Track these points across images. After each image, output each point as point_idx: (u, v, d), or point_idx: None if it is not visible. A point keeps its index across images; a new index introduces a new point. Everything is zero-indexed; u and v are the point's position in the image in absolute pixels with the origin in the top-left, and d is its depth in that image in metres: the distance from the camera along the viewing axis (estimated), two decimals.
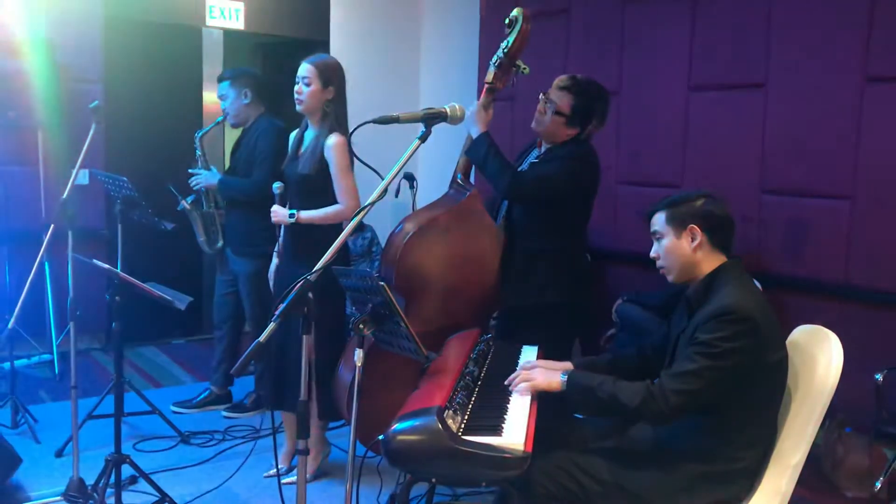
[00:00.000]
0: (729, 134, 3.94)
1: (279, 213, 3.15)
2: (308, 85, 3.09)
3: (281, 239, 3.27)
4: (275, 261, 3.35)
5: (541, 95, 3.12)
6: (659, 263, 2.24)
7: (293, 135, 3.32)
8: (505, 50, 3.06)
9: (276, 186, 3.19)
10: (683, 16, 4.10)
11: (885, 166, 3.39)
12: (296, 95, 3.12)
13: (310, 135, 3.20)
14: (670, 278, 2.23)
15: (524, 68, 3.10)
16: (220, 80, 4.02)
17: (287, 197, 3.19)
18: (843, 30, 3.49)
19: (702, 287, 2.14)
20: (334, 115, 3.13)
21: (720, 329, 1.99)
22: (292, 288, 1.92)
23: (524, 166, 3.20)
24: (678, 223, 2.17)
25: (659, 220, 2.21)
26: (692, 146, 4.11)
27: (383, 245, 4.64)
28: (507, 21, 3.09)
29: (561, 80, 3.11)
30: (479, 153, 3.05)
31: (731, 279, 2.11)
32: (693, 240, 2.16)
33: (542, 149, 3.18)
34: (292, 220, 3.10)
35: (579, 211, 3.18)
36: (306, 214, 3.10)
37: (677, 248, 2.17)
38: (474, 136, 3.09)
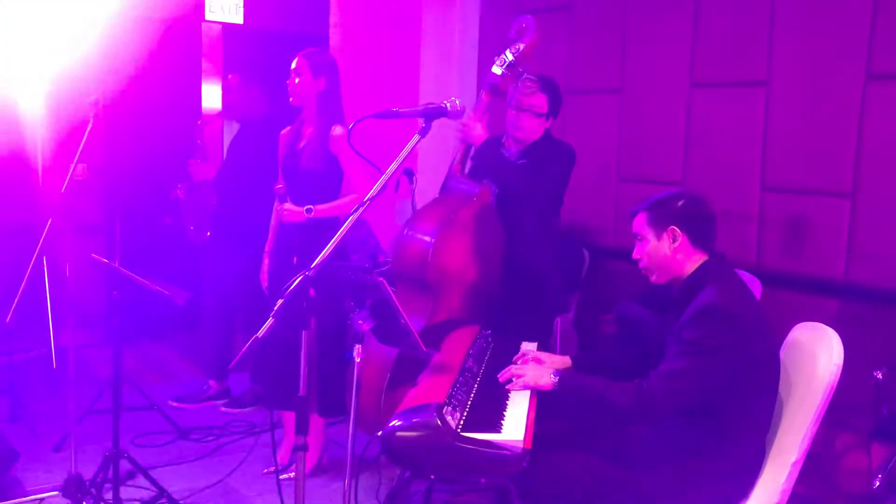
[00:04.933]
0: (731, 131, 3.92)
1: (293, 211, 3.10)
2: (298, 76, 3.09)
3: (273, 239, 3.23)
4: (266, 262, 3.32)
5: (512, 111, 3.15)
6: (641, 264, 2.25)
7: (285, 132, 3.29)
8: (515, 54, 3.09)
9: (278, 187, 3.15)
10: (686, 12, 4.09)
11: (887, 164, 3.38)
12: (288, 89, 3.13)
13: (307, 130, 3.18)
14: (653, 279, 2.25)
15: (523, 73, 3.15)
16: (233, 74, 4.02)
17: (287, 195, 3.15)
18: (846, 27, 3.47)
19: (687, 287, 2.16)
20: (331, 108, 3.11)
21: (703, 326, 2.01)
22: (291, 283, 1.91)
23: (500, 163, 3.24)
24: (658, 225, 2.19)
25: (640, 222, 2.23)
26: (694, 143, 4.10)
27: (378, 240, 4.63)
28: (518, 29, 3.12)
29: (527, 87, 3.14)
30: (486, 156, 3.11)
31: (714, 277, 2.12)
32: (673, 241, 2.17)
33: (515, 147, 3.20)
34: (310, 214, 3.07)
35: (561, 200, 3.26)
36: (322, 208, 3.09)
37: (658, 249, 2.19)
38: (479, 141, 3.16)
